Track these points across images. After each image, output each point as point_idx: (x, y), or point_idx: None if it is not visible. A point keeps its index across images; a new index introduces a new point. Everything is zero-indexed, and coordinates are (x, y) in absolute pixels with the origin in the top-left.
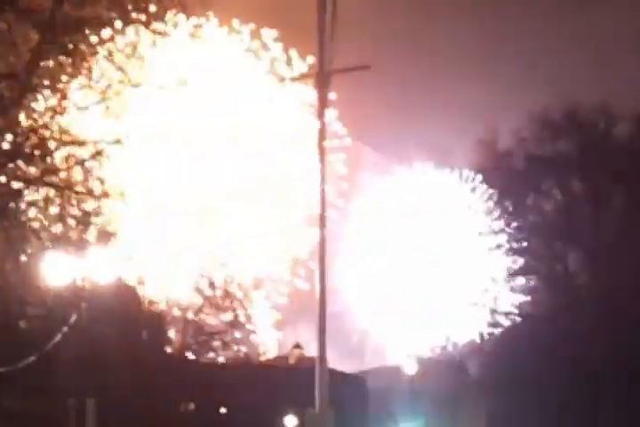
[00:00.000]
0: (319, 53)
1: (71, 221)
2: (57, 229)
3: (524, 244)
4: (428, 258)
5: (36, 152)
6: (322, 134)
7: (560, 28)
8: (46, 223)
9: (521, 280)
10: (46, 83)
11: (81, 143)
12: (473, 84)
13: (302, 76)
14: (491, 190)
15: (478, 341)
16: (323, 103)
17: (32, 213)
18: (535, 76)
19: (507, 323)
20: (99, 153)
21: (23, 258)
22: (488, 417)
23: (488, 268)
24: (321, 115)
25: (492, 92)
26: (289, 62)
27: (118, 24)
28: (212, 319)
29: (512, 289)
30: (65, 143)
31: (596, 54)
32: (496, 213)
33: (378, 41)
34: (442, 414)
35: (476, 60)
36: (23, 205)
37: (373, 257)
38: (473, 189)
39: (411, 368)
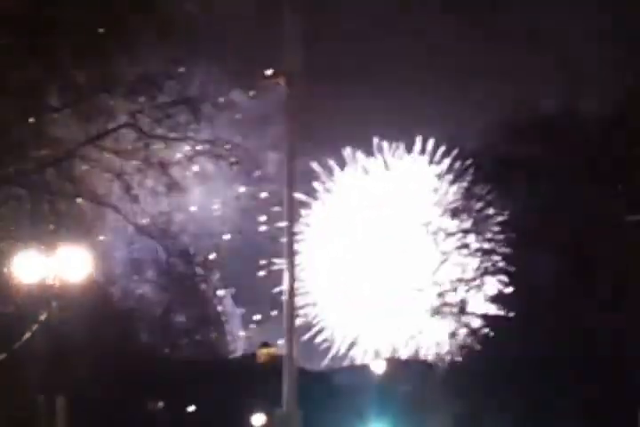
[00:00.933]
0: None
1: (43, 220)
2: (29, 227)
3: (491, 244)
4: (395, 252)
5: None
6: (293, 134)
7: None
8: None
9: (490, 280)
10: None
11: (54, 144)
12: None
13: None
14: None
15: (447, 341)
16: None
17: (4, 211)
18: (496, 78)
19: (475, 323)
20: (70, 154)
21: None
22: (456, 417)
23: (456, 267)
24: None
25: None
26: None
27: None
28: (181, 317)
29: (480, 290)
30: (39, 144)
31: (558, 55)
32: (465, 214)
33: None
34: (410, 414)
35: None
36: None
37: (339, 250)
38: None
39: (379, 367)
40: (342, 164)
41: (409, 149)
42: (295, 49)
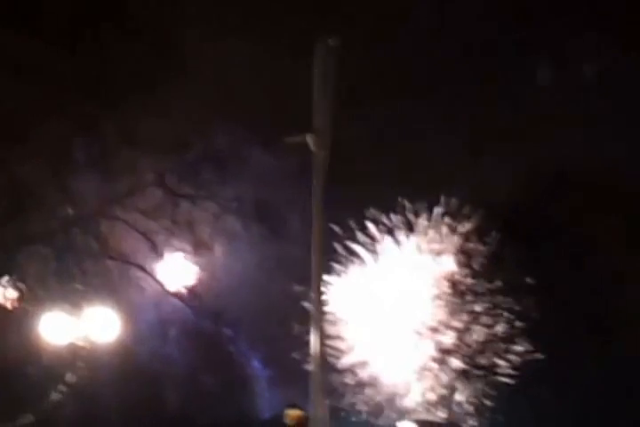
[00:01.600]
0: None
1: (69, 280)
2: (55, 287)
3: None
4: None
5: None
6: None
7: None
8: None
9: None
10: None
11: (80, 202)
12: None
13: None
14: None
15: (477, 401)
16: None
17: (30, 271)
18: None
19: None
20: (96, 212)
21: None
22: None
23: (485, 329)
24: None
25: None
26: None
27: None
28: (208, 379)
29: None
30: (64, 203)
31: None
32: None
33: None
34: None
35: None
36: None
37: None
38: None
39: None
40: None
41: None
42: (325, 107)
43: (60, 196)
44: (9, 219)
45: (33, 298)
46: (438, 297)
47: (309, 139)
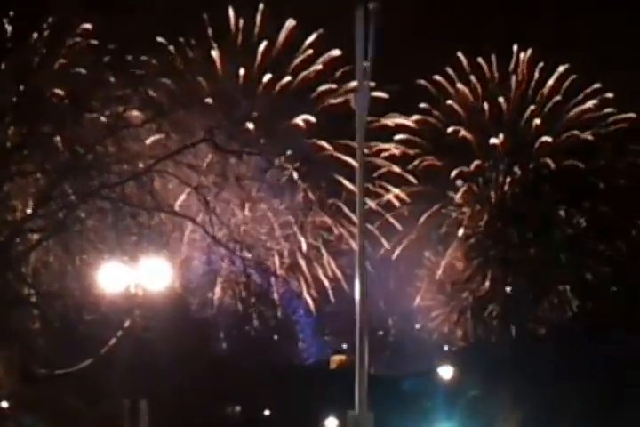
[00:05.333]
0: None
1: (125, 232)
2: (112, 239)
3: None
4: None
5: (94, 168)
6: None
7: None
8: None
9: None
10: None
11: (135, 159)
12: None
13: None
14: None
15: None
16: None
17: (89, 224)
18: None
19: (542, 331)
20: (149, 168)
21: (80, 266)
22: (522, 422)
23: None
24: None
25: None
26: None
27: None
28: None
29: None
30: (120, 160)
31: None
32: None
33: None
34: (478, 418)
35: None
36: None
37: None
38: None
39: (447, 373)
40: None
41: None
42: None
43: (117, 153)
44: (69, 175)
45: (92, 249)
46: None
47: (352, 99)
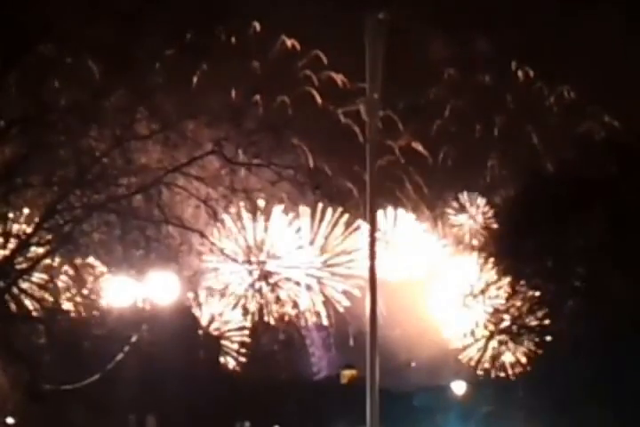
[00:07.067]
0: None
1: (133, 246)
2: (120, 252)
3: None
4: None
5: (100, 180)
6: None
7: None
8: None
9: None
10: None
11: (142, 171)
12: None
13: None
14: None
15: (525, 361)
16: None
17: (96, 237)
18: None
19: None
20: (157, 181)
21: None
22: None
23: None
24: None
25: None
26: None
27: None
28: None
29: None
30: (128, 172)
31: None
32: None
33: None
34: None
35: None
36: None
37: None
38: None
39: (460, 388)
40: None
41: None
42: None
43: (124, 165)
44: (76, 188)
45: (99, 263)
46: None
47: (362, 107)
